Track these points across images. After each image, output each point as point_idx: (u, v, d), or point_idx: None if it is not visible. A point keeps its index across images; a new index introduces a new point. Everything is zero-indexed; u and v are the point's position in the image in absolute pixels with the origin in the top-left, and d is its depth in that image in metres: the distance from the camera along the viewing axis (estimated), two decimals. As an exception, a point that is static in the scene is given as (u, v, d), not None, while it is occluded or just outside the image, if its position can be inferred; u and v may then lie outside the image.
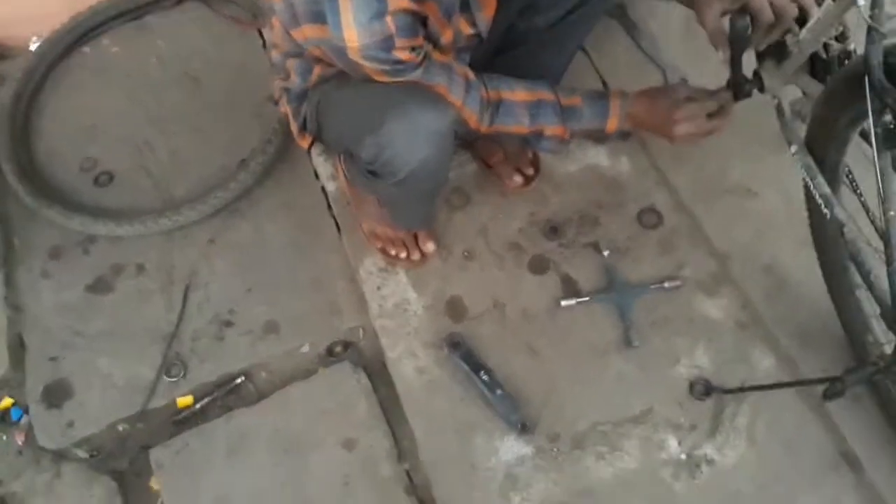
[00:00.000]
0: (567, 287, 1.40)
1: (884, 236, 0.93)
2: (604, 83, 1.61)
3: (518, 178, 1.50)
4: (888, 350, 1.07)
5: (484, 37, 1.17)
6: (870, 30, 0.83)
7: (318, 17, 1.00)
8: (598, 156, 1.54)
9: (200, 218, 1.53)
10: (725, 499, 1.18)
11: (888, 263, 0.93)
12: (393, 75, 1.04)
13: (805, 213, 1.22)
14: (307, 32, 1.08)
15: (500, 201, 1.51)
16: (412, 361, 1.34)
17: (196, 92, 1.74)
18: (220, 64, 1.78)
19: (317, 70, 1.17)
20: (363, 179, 1.24)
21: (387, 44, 0.98)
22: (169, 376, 1.37)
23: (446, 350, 1.32)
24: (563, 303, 1.37)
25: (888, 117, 0.86)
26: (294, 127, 1.29)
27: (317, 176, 1.57)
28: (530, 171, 1.51)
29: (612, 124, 1.21)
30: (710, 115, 1.16)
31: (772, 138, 1.27)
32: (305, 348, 1.41)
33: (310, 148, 1.34)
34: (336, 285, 1.46)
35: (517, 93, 1.18)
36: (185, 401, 1.37)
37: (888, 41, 0.85)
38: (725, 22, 1.09)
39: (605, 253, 1.41)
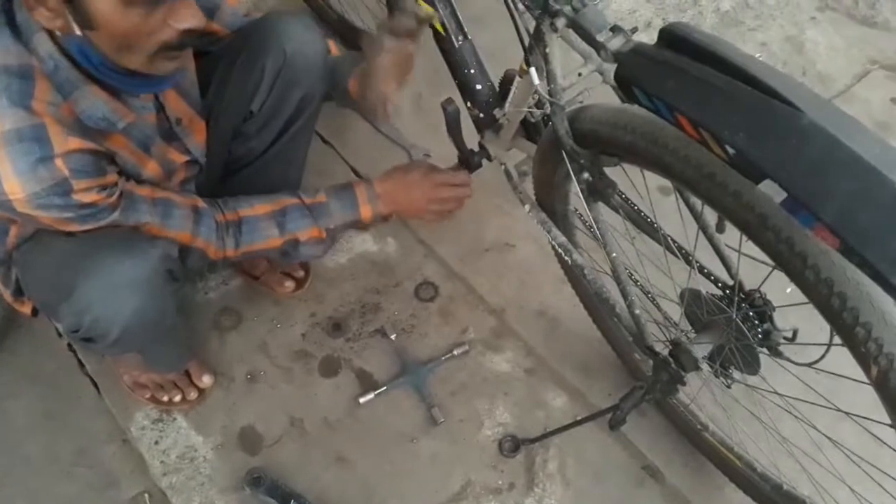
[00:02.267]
0: (363, 381, 1.37)
1: (614, 274, 1.03)
2: (355, 172, 1.63)
3: (289, 284, 1.45)
4: (647, 370, 1.18)
5: (202, 163, 1.11)
6: (551, 103, 0.92)
7: None
8: (364, 243, 1.55)
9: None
10: (556, 549, 1.21)
11: (623, 297, 1.03)
12: (82, 222, 0.92)
13: (557, 254, 1.31)
14: None
15: (275, 311, 1.45)
16: (212, 513, 1.21)
17: None
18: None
19: (13, 230, 1.03)
20: (82, 345, 1.09)
21: (62, 188, 0.87)
22: None
23: (247, 490, 1.22)
24: (362, 399, 1.34)
25: (586, 174, 0.96)
26: (7, 295, 1.14)
27: (59, 333, 1.39)
28: (301, 274, 1.47)
29: (366, 212, 1.19)
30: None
31: (513, 194, 1.37)
32: (83, 536, 1.23)
33: (35, 312, 1.17)
34: (105, 452, 1.29)
35: (258, 207, 1.14)
36: None
37: (569, 110, 0.96)
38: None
39: (393, 336, 1.41)
